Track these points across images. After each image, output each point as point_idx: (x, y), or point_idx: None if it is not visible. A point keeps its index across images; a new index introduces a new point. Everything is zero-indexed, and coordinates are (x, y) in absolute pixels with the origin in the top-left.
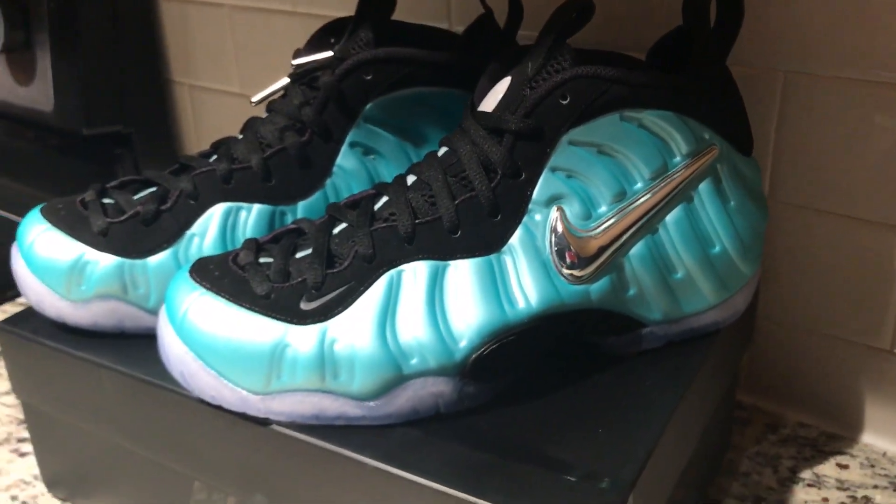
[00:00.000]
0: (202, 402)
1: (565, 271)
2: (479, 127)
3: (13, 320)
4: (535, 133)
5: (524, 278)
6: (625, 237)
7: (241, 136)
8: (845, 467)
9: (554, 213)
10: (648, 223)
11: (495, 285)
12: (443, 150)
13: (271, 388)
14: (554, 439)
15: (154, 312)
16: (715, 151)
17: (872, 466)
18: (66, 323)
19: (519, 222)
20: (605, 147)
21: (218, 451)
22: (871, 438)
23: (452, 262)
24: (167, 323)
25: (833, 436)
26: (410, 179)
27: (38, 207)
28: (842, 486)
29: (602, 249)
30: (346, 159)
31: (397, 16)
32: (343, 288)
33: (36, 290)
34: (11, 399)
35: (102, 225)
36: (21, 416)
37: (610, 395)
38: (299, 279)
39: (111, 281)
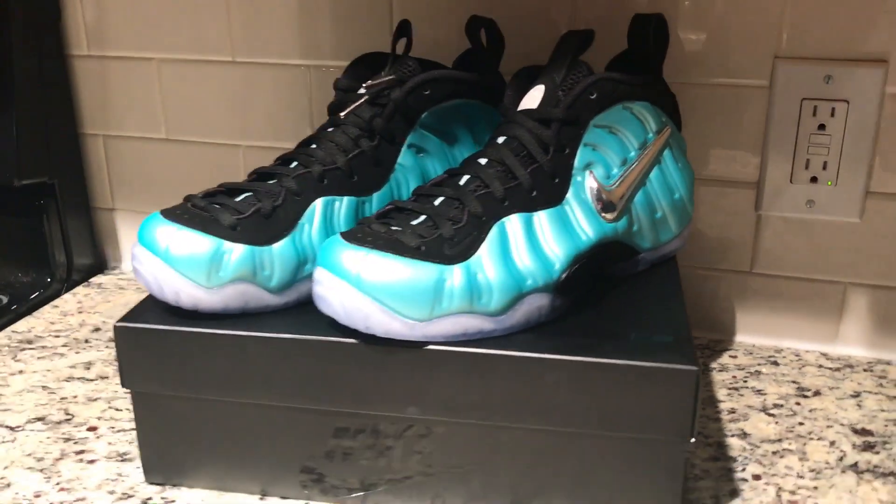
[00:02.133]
0: (372, 338)
1: (603, 214)
2: (529, 119)
3: (130, 319)
4: (574, 120)
5: (581, 220)
6: (632, 189)
7: (314, 146)
8: (735, 357)
9: (588, 175)
10: (642, 179)
11: (567, 225)
12: (502, 139)
13: (434, 315)
14: (619, 324)
15: (274, 292)
16: (668, 130)
17: (751, 353)
18: (199, 309)
19: (569, 183)
20: (613, 128)
21: (374, 380)
22: (741, 338)
23: (536, 213)
24: (340, 281)
25: (718, 340)
26: (483, 161)
27: (155, 216)
28: (739, 368)
29: (621, 198)
30: (405, 158)
31: None
32: (469, 237)
33: (174, 284)
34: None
35: (232, 221)
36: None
37: (635, 297)
38: (436, 234)
39: (244, 265)
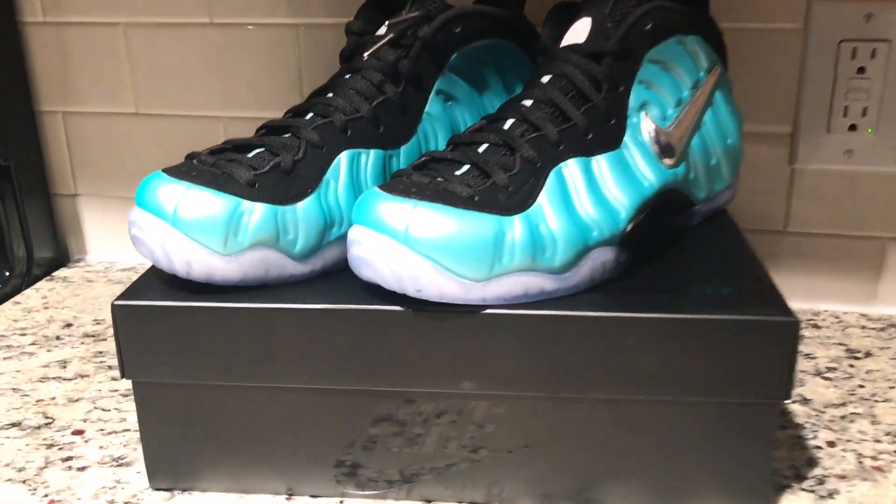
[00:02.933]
0: (420, 305)
1: (663, 159)
2: (577, 55)
3: (129, 296)
4: (628, 53)
5: (642, 165)
6: (689, 132)
7: (330, 95)
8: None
9: (644, 117)
10: (698, 122)
11: (628, 171)
12: (547, 77)
13: (493, 273)
14: (691, 278)
15: (298, 259)
16: (718, 69)
17: None
18: (213, 281)
19: (625, 124)
20: (667, 64)
21: (423, 351)
22: None
23: (594, 158)
24: (386, 239)
25: None
26: (528, 102)
27: (157, 174)
28: None
29: (679, 140)
30: (433, 106)
31: None
32: (526, 186)
33: (185, 252)
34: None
35: (249, 177)
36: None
37: (700, 250)
38: (489, 183)
39: (266, 228)
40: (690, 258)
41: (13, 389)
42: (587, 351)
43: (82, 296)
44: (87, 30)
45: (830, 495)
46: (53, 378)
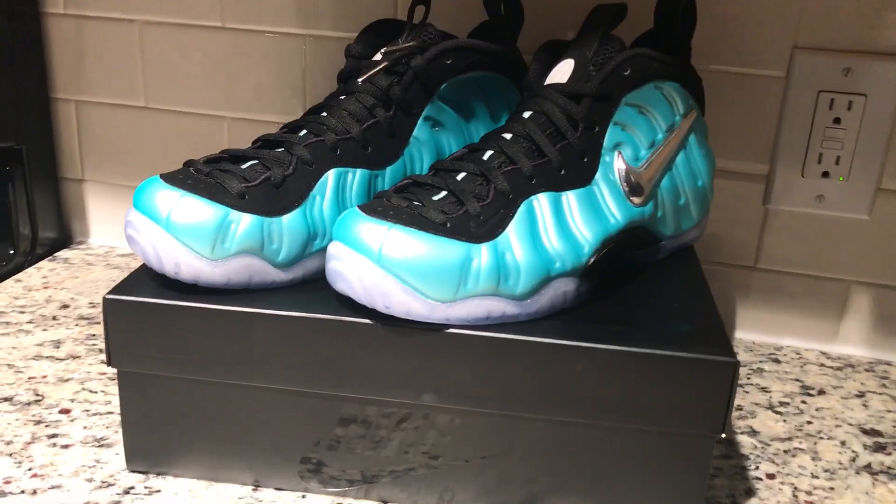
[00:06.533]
0: (388, 320)
1: (631, 198)
2: (558, 94)
3: (120, 291)
4: (606, 96)
5: (610, 202)
6: (659, 173)
7: (325, 114)
8: (735, 353)
9: (617, 156)
10: (669, 163)
11: (596, 207)
12: (528, 113)
13: (457, 296)
14: (645, 312)
15: (281, 267)
16: (695, 113)
17: (752, 350)
18: (199, 283)
19: (598, 163)
20: (643, 108)
21: (388, 363)
22: (741, 334)
23: (564, 193)
24: (360, 257)
25: None
26: (507, 136)
27: (154, 180)
28: (742, 364)
29: (649, 181)
30: (420, 131)
31: None
32: (497, 216)
33: (174, 255)
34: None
35: (241, 188)
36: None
37: (658, 285)
38: (461, 210)
39: (252, 237)
40: (649, 291)
41: (8, 365)
42: (540, 375)
43: (81, 278)
44: (104, 24)
45: None
46: (47, 357)
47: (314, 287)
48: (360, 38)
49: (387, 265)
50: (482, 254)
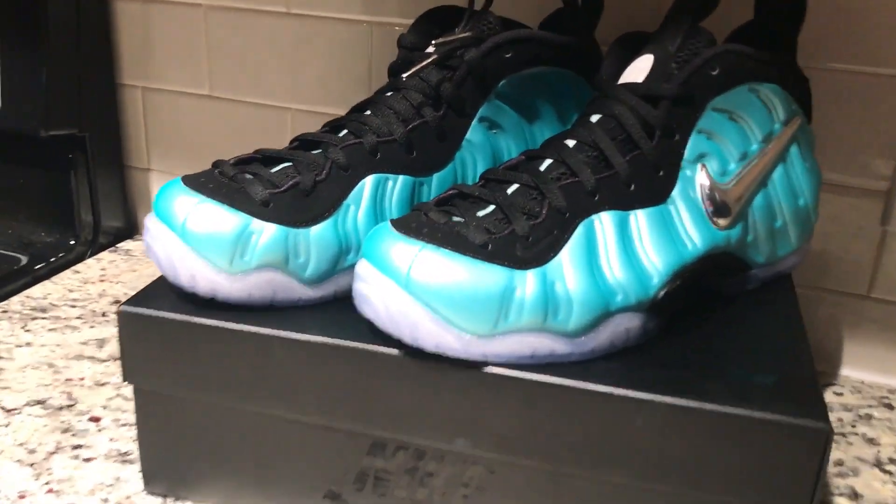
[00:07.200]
0: (419, 351)
1: (714, 219)
2: (632, 95)
3: (136, 302)
4: (688, 99)
5: (688, 225)
6: (751, 190)
7: (368, 112)
8: (840, 394)
9: (700, 170)
10: (764, 179)
11: (671, 230)
12: (596, 117)
13: (497, 330)
14: (725, 357)
15: (308, 283)
16: (799, 120)
17: (860, 392)
18: (217, 298)
19: (676, 177)
20: (734, 114)
21: (419, 401)
22: (848, 371)
23: (632, 212)
24: (387, 280)
25: (819, 372)
26: (571, 142)
27: (175, 182)
28: (846, 408)
29: (738, 200)
30: (474, 133)
31: None
32: (549, 237)
33: (190, 266)
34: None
35: (264, 195)
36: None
37: (744, 323)
38: (507, 230)
39: (275, 250)
40: (731, 330)
41: (49, 364)
42: (590, 426)
43: (139, 272)
44: (170, 9)
45: None
46: (88, 357)
47: (345, 307)
48: (414, 27)
49: (415, 291)
50: (527, 282)
